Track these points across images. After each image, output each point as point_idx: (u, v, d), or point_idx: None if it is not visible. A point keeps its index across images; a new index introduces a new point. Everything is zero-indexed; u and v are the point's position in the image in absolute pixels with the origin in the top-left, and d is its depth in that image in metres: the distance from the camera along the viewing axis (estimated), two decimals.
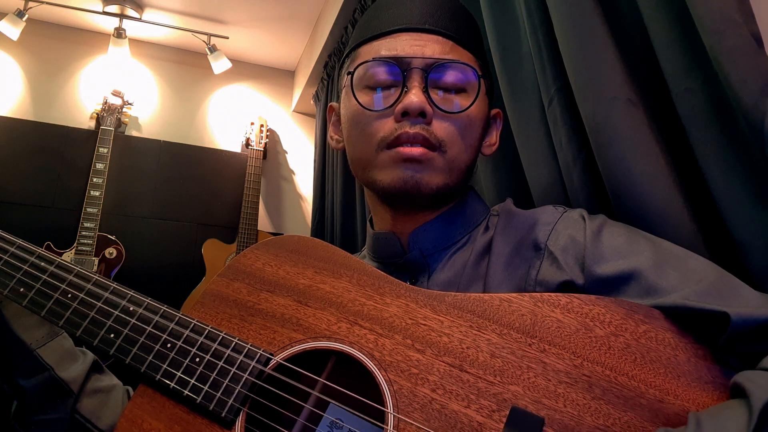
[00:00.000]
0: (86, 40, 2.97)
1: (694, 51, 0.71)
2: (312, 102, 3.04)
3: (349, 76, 0.76)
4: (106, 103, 2.77)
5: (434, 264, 0.74)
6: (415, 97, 0.69)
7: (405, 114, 0.70)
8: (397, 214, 0.77)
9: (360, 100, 0.73)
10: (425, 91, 0.70)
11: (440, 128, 0.71)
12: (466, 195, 0.79)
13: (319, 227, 2.66)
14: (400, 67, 0.71)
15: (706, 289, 0.54)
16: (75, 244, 2.50)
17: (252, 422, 0.61)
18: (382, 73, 0.73)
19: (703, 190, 0.70)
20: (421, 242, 0.75)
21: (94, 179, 2.58)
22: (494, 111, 0.81)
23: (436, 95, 0.72)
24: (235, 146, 3.13)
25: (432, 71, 0.71)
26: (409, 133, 0.69)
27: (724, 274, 0.57)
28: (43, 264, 0.71)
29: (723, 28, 0.63)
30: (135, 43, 3.02)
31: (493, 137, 0.81)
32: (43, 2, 2.61)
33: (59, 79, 2.88)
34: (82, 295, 0.69)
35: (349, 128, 0.77)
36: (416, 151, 0.69)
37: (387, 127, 0.71)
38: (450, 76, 0.72)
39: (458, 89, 0.73)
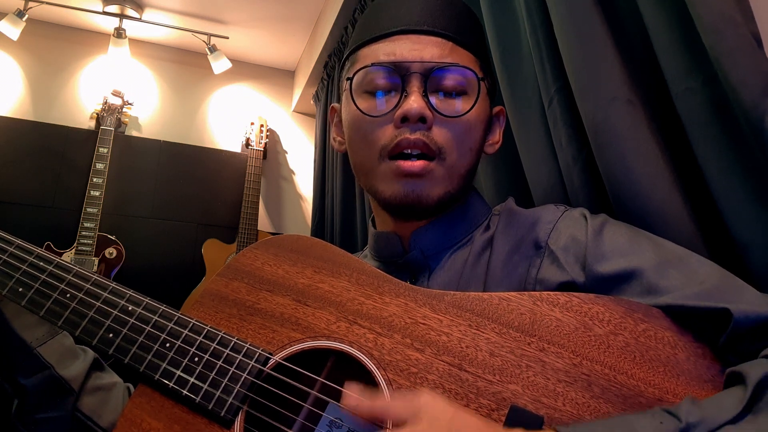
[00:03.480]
0: (86, 40, 2.97)
1: (694, 51, 0.71)
2: (312, 102, 3.04)
3: (349, 81, 0.75)
4: (106, 103, 2.77)
5: (435, 264, 0.74)
6: (414, 102, 0.69)
7: (405, 120, 0.69)
8: (398, 219, 0.77)
9: (359, 106, 0.73)
10: (425, 95, 0.70)
11: (440, 134, 0.70)
12: (469, 196, 0.79)
13: (319, 227, 2.66)
14: (399, 72, 0.71)
15: (708, 290, 0.54)
16: (75, 244, 2.50)
17: (251, 422, 0.61)
18: (380, 78, 0.72)
19: (703, 189, 0.70)
20: (422, 242, 0.75)
21: (94, 179, 2.58)
22: (497, 109, 0.81)
23: (436, 99, 0.71)
24: (235, 146, 3.13)
25: (431, 75, 0.71)
26: (410, 140, 0.69)
27: (727, 276, 0.57)
28: (42, 264, 0.70)
29: (723, 27, 0.63)
30: (135, 43, 3.02)
31: (497, 135, 0.81)
32: (43, 2, 2.61)
33: (59, 79, 2.88)
34: (81, 295, 0.69)
35: (351, 133, 0.76)
36: (416, 166, 0.69)
37: (387, 134, 0.71)
38: (449, 80, 0.72)
39: (458, 92, 0.72)
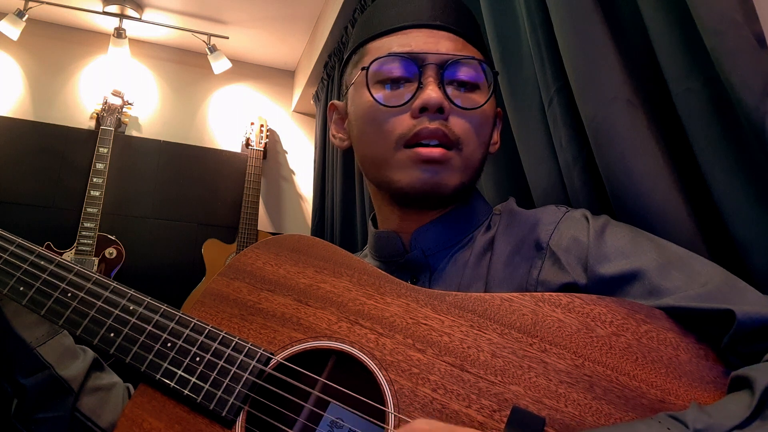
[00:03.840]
0: (86, 40, 2.97)
1: (694, 51, 0.71)
2: (312, 102, 3.03)
3: (364, 71, 0.74)
4: (106, 103, 2.77)
5: (436, 264, 0.74)
6: (433, 92, 0.69)
7: (423, 110, 0.69)
8: (405, 214, 0.76)
9: (375, 96, 0.73)
10: (441, 86, 0.70)
11: (457, 125, 0.71)
12: (470, 195, 0.79)
13: (319, 227, 2.66)
14: (415, 63, 0.71)
15: (711, 291, 0.54)
16: (75, 244, 2.50)
17: (252, 422, 0.61)
18: (397, 69, 0.72)
19: (704, 190, 0.70)
20: (423, 242, 0.75)
21: (94, 179, 2.58)
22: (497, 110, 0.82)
23: (452, 90, 0.71)
24: (235, 146, 3.13)
25: (447, 68, 0.71)
26: (429, 128, 0.69)
27: (729, 277, 0.57)
28: (42, 263, 0.70)
29: (724, 28, 0.63)
30: (135, 43, 3.02)
31: (495, 136, 0.81)
32: (43, 2, 2.61)
33: (59, 79, 2.88)
34: (82, 294, 0.69)
35: (362, 125, 0.75)
36: (436, 152, 0.69)
37: (404, 123, 0.70)
38: (464, 73, 0.72)
39: (471, 86, 0.73)
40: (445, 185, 0.70)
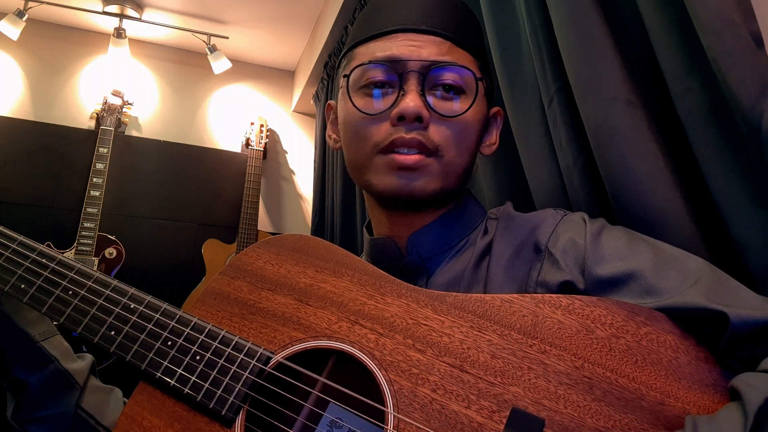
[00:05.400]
0: (86, 40, 2.97)
1: (693, 51, 0.71)
2: (312, 102, 3.04)
3: (345, 78, 0.75)
4: (106, 103, 2.77)
5: (432, 267, 0.74)
6: (411, 102, 0.68)
7: (401, 118, 0.69)
8: (394, 217, 0.76)
9: (356, 104, 0.72)
10: (422, 94, 0.69)
11: (437, 132, 0.70)
12: (464, 198, 0.79)
13: (319, 227, 2.66)
14: (396, 70, 0.70)
15: (703, 288, 0.54)
16: (75, 244, 2.50)
17: (252, 421, 0.61)
18: (378, 76, 0.72)
19: (703, 190, 0.70)
20: (419, 246, 0.75)
21: (94, 179, 2.58)
22: (494, 110, 0.81)
23: (434, 98, 0.71)
24: (235, 146, 3.13)
25: (429, 73, 0.70)
26: (405, 138, 0.68)
27: (721, 275, 0.57)
28: (44, 261, 0.70)
29: (721, 28, 0.63)
30: (135, 43, 3.02)
31: (493, 137, 0.80)
32: (43, 2, 2.61)
33: (59, 79, 2.88)
34: (83, 292, 0.69)
35: (345, 131, 0.76)
36: (411, 159, 0.68)
37: (382, 131, 0.70)
38: (447, 79, 0.71)
39: (456, 91, 0.72)
40: (421, 191, 0.70)
